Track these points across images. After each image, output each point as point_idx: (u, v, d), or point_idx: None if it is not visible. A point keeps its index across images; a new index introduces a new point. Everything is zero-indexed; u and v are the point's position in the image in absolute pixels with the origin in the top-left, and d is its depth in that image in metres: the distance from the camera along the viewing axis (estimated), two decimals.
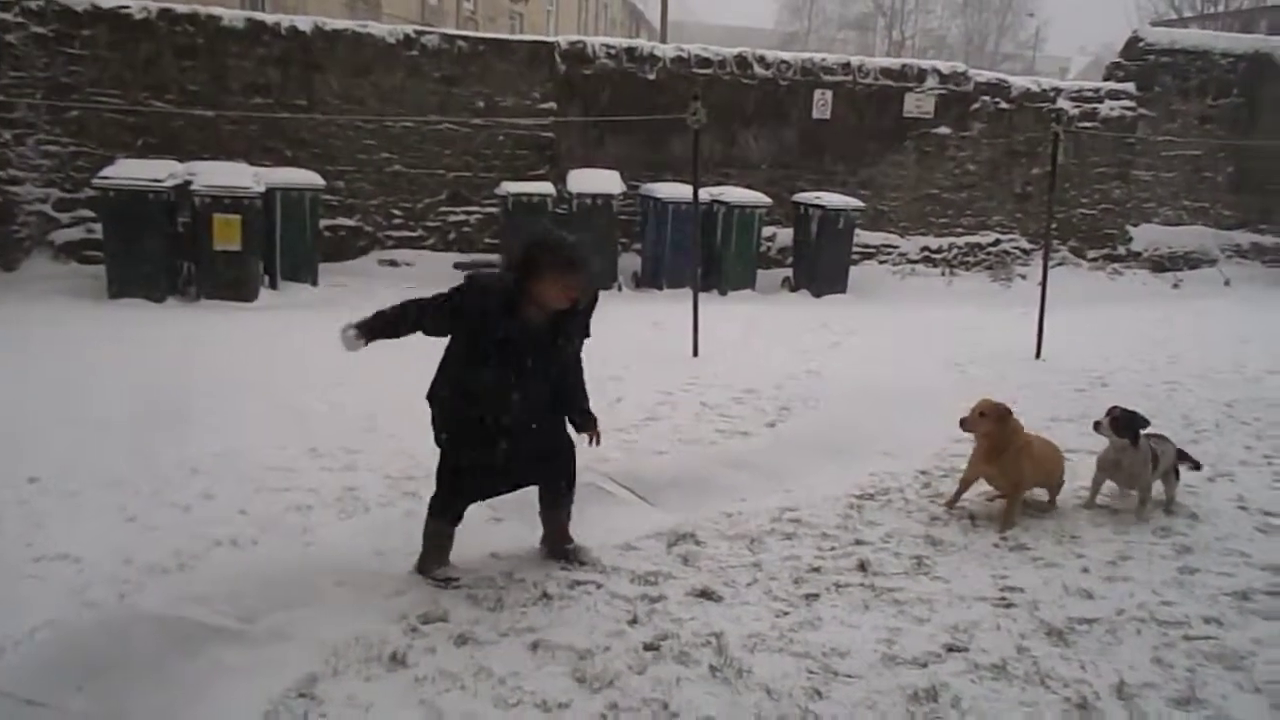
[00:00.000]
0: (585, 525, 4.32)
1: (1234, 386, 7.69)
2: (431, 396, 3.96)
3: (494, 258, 10.83)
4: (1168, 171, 13.58)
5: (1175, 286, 12.90)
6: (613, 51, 11.22)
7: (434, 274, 10.65)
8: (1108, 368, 8.09)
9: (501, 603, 3.83)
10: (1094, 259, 13.15)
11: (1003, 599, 4.05)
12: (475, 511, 4.16)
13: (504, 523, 4.48)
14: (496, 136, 11.09)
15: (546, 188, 10.37)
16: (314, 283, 10.00)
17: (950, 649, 3.64)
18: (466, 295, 3.84)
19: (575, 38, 11.65)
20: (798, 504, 4.99)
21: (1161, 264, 13.35)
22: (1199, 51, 13.50)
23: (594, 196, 10.19)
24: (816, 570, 4.26)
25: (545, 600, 3.87)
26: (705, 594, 3.99)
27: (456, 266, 10.90)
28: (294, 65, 10.60)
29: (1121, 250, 13.30)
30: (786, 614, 3.85)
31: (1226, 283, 13.02)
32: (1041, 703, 3.32)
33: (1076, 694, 3.37)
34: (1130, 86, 13.12)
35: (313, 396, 6.33)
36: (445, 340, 3.94)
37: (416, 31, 11.15)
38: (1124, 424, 4.99)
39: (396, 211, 11.11)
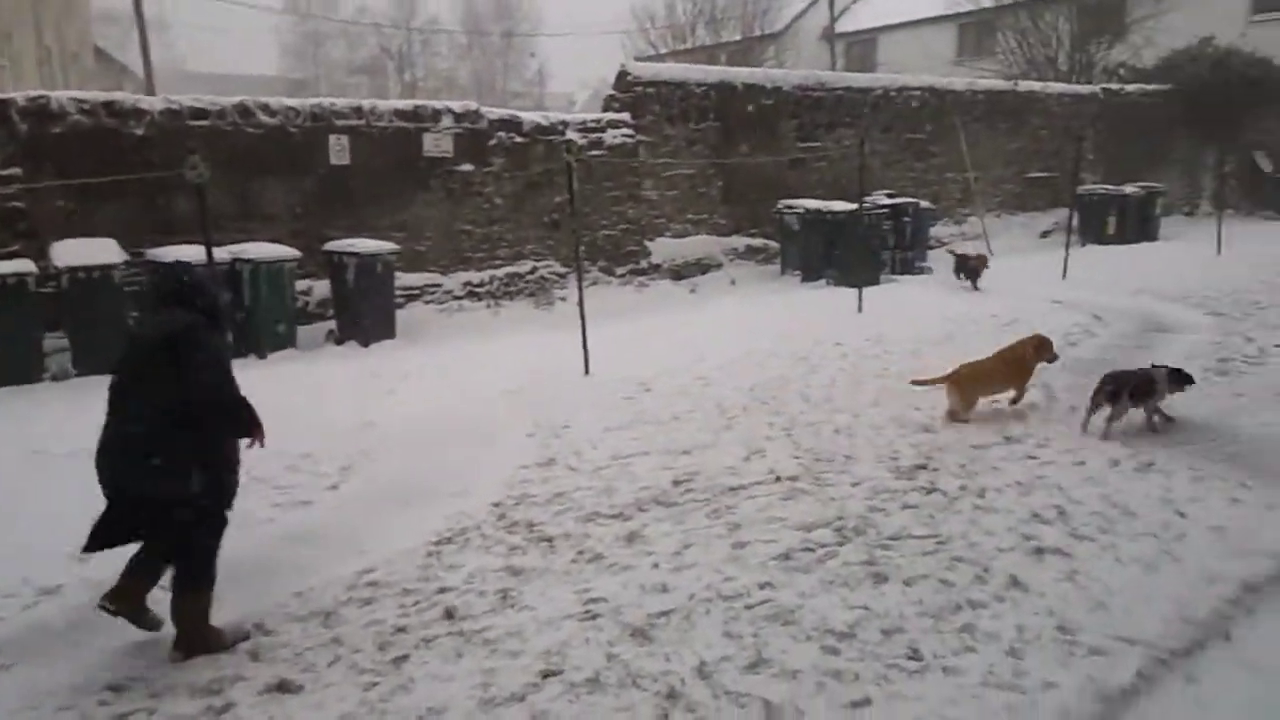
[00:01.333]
0: (130, 633, 3.73)
1: (752, 373, 8.61)
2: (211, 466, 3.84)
3: None
4: (670, 190, 15.01)
5: (693, 291, 14.28)
6: (86, 106, 9.98)
7: None
8: (649, 373, 8.68)
9: None
10: (622, 275, 14.16)
11: (588, 612, 4.12)
12: None
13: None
14: None
15: (25, 265, 8.85)
16: None
17: (546, 675, 3.62)
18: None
19: (36, 93, 10.15)
20: (374, 565, 4.73)
21: (679, 273, 14.72)
22: (677, 82, 15.10)
23: (89, 269, 8.92)
24: (402, 630, 4.04)
25: None
26: (282, 687, 3.61)
27: None
28: None
29: (644, 264, 14.47)
30: (375, 685, 3.60)
31: (732, 283, 14.67)
32: (636, 703, 3.40)
33: (665, 686, 3.50)
34: (627, 116, 14.32)
35: None
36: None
37: None
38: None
39: None
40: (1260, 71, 22.52)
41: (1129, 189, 18.69)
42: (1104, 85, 22.40)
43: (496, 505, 5.52)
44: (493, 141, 12.80)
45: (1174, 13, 24.77)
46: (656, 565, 4.58)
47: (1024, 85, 20.45)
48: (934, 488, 5.42)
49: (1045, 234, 19.07)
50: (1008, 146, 19.43)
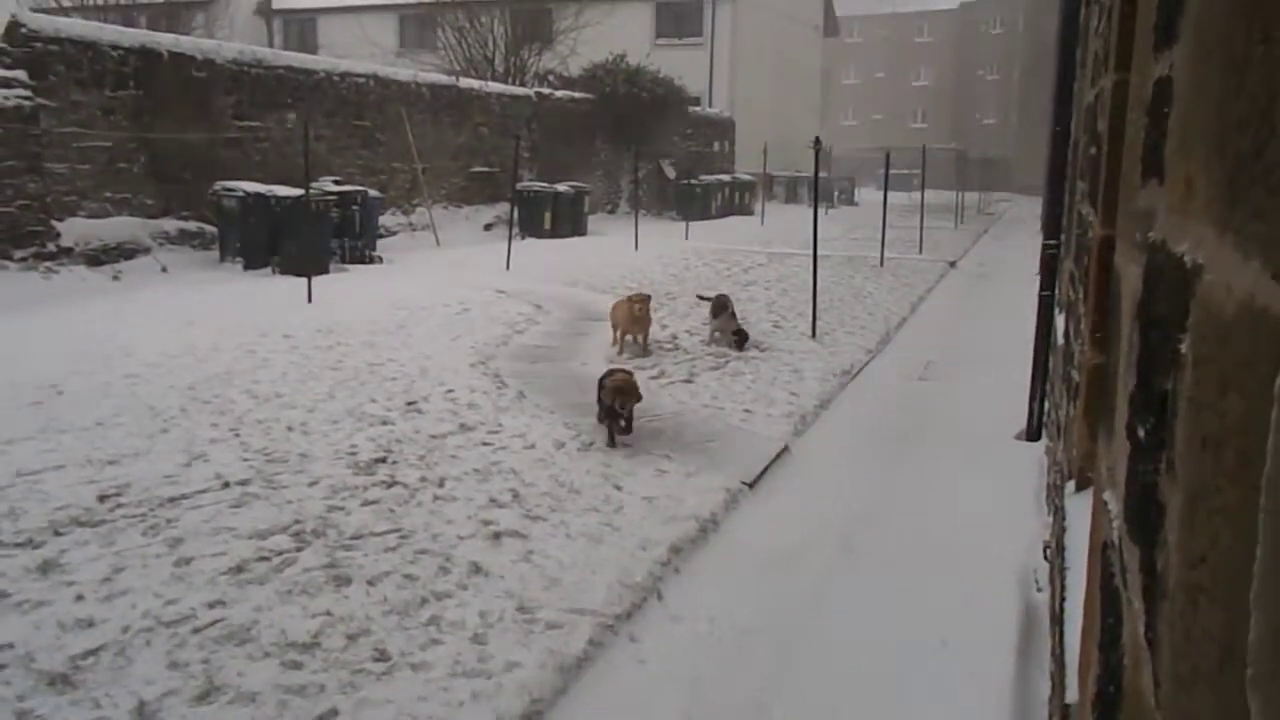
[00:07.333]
0: None
1: (190, 369, 7.85)
2: None
3: None
4: (83, 163, 13.16)
5: (116, 279, 12.69)
6: None
7: None
8: (60, 373, 7.50)
9: None
10: (23, 259, 12.10)
11: None
12: None
13: None
14: None
15: None
16: None
17: None
18: None
19: None
20: None
21: (97, 258, 12.97)
22: (87, 42, 13.26)
23: None
24: None
25: None
26: None
27: None
28: None
29: (52, 247, 12.51)
30: None
31: (163, 270, 13.30)
32: None
33: None
34: (23, 75, 12.23)
35: None
36: None
37: None
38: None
39: None
40: (665, 89, 26.03)
41: (562, 187, 20.43)
42: (536, 89, 24.22)
43: None
44: None
45: (591, 28, 27.61)
46: (81, 597, 3.93)
47: (465, 82, 21.33)
48: (394, 481, 5.37)
49: (489, 227, 20.11)
50: (453, 140, 20.14)
